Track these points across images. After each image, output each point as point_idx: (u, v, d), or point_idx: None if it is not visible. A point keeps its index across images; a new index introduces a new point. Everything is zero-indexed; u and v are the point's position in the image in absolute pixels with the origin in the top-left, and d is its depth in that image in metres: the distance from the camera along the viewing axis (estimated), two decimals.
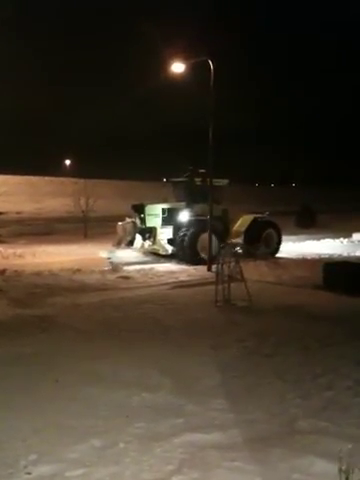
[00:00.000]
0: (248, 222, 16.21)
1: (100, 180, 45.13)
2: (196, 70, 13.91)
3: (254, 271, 12.01)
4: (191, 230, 14.61)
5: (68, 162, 55.16)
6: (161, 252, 15.09)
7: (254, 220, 16.31)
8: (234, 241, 15.74)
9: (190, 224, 14.90)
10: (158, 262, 14.43)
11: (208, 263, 13.04)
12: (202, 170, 15.29)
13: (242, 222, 16.26)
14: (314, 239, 20.58)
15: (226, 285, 8.92)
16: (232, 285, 8.95)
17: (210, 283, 9.94)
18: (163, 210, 15.56)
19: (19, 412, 4.36)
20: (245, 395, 4.83)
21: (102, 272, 12.28)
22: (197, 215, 15.22)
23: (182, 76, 14.14)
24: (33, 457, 3.63)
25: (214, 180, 15.67)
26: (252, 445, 3.82)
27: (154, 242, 15.36)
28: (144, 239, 15.56)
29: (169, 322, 7.57)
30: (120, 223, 16.20)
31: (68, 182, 49.59)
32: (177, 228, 15.18)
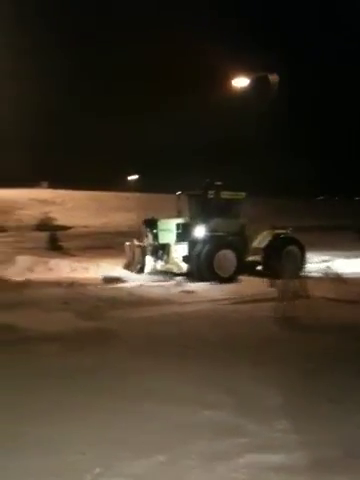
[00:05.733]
0: (268, 238, 15.06)
1: (163, 194, 45.92)
2: (256, 85, 14.01)
3: (316, 288, 11.70)
4: (207, 247, 13.75)
5: (133, 177, 56.45)
6: (175, 270, 14.17)
7: (274, 236, 15.15)
8: (251, 259, 14.78)
9: (206, 240, 14.06)
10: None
11: (270, 279, 12.75)
12: (218, 182, 14.57)
13: (261, 238, 15.14)
14: None
15: (289, 302, 8.77)
16: (295, 302, 8.78)
17: (271, 299, 9.79)
18: (177, 225, 14.63)
19: (75, 426, 4.44)
20: (308, 416, 4.72)
21: (165, 286, 12.43)
22: (213, 231, 14.34)
23: (244, 91, 14.26)
24: (97, 471, 3.67)
25: (229, 193, 14.79)
26: (317, 468, 3.72)
27: (168, 260, 14.36)
28: (157, 258, 14.51)
29: (229, 339, 7.52)
30: (128, 243, 15.19)
31: (133, 197, 50.83)
32: (192, 244, 14.22)
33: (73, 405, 4.90)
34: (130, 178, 55.79)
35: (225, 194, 14.76)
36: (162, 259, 14.38)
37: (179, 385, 5.45)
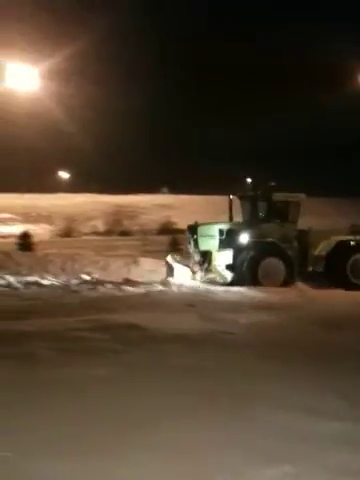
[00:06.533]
0: (331, 245, 13.50)
1: None
2: None
3: None
4: (250, 254, 12.77)
5: (250, 180, 56.19)
6: (218, 280, 13.31)
7: (338, 243, 13.51)
8: (313, 269, 13.44)
9: (250, 247, 13.04)
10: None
11: None
12: (272, 183, 13.59)
13: (324, 245, 13.63)
14: None
15: None
16: None
17: None
18: (220, 231, 13.70)
19: (192, 428, 4.38)
20: None
21: (287, 290, 12.26)
22: (261, 236, 13.28)
23: None
24: (225, 476, 3.57)
25: (283, 195, 13.69)
26: None
27: (209, 269, 13.44)
28: (200, 265, 13.50)
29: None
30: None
31: None
32: (237, 252, 13.19)
33: (194, 408, 4.86)
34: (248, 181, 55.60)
35: (278, 196, 13.73)
36: (201, 269, 13.51)
37: (302, 393, 5.25)
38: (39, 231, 33.17)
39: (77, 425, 4.40)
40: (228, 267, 13.34)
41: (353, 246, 13.78)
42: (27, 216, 41.83)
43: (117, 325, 8.40)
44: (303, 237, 13.80)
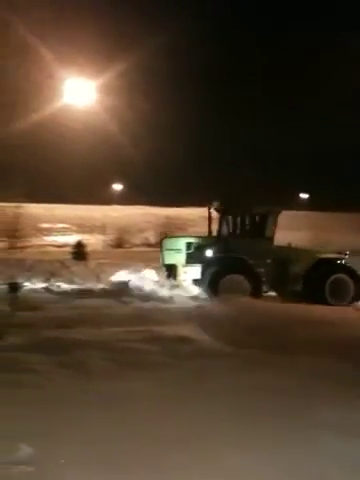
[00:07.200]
0: (310, 264, 12.93)
1: (337, 213, 44.11)
2: None
3: None
4: (212, 269, 12.45)
5: (304, 195, 55.21)
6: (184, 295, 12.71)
7: (318, 261, 12.95)
8: (291, 288, 12.92)
9: (214, 262, 12.69)
10: None
11: None
12: (247, 195, 13.74)
13: (303, 264, 13.08)
14: None
15: None
16: None
17: None
18: (188, 245, 13.33)
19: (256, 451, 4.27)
20: None
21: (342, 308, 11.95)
22: (229, 251, 12.84)
23: None
24: None
25: (258, 209, 13.38)
26: None
27: (175, 283, 13.02)
28: (166, 279, 13.13)
29: None
30: None
31: (302, 215, 49.64)
32: (205, 266, 12.91)
33: (249, 427, 4.75)
34: (301, 196, 54.66)
35: (252, 210, 13.46)
36: (168, 283, 13.03)
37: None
38: (92, 241, 33.89)
39: (131, 442, 4.33)
40: (195, 282, 13.12)
41: (334, 264, 13.18)
42: (82, 227, 42.88)
43: (167, 337, 8.41)
44: (281, 253, 13.31)
